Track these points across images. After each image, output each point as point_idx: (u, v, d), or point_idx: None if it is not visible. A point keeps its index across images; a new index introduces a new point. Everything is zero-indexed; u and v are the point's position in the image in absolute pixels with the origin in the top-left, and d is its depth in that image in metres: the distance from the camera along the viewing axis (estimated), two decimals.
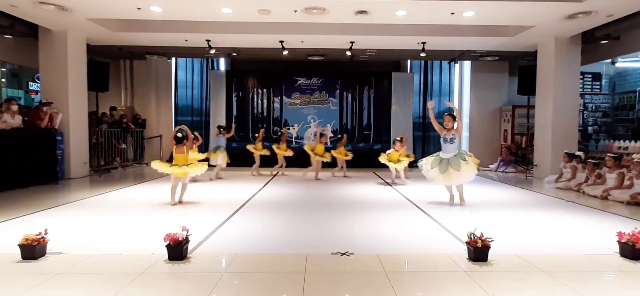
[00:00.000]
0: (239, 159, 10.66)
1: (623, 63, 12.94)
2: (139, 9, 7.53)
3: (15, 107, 7.82)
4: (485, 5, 7.30)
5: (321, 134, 9.69)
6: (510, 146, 11.99)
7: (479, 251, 3.53)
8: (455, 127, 6.08)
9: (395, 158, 8.52)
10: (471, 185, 8.62)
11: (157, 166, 6.04)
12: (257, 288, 3.05)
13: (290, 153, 9.93)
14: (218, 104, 12.53)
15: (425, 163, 6.31)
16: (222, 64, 13.78)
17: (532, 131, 10.61)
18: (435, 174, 6.07)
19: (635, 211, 5.86)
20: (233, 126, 10.64)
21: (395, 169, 8.49)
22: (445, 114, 6.13)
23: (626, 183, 6.81)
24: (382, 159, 8.66)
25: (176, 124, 13.14)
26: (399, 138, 8.81)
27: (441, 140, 6.16)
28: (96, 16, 8.06)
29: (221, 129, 9.32)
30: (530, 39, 9.52)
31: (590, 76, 13.79)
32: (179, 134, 6.13)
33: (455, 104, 13.59)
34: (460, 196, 6.28)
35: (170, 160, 6.30)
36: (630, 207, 6.17)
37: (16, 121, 7.81)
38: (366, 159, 11.10)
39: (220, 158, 8.83)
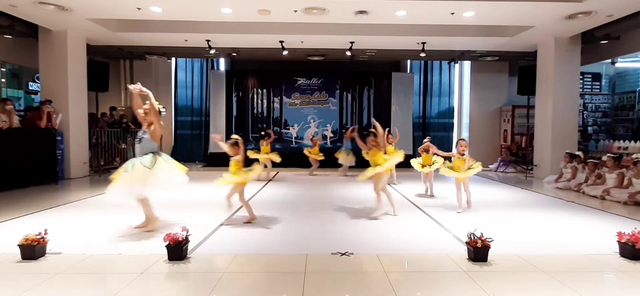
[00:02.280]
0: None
1: (623, 63, 12.94)
2: (139, 9, 7.53)
3: (10, 107, 7.81)
4: (485, 5, 7.30)
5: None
6: (510, 146, 11.99)
7: (479, 251, 3.53)
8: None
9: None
10: (472, 185, 8.60)
11: (252, 154, 8.72)
12: (257, 288, 3.05)
13: (321, 156, 10.07)
14: (218, 104, 12.53)
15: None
16: (222, 64, 13.78)
17: (532, 131, 10.61)
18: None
19: (635, 211, 5.86)
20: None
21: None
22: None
23: (625, 182, 6.81)
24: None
25: (176, 124, 13.18)
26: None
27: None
28: (96, 16, 8.06)
29: (349, 132, 9.96)
30: (530, 39, 9.52)
31: (590, 76, 13.79)
32: (263, 133, 9.33)
33: (455, 104, 13.64)
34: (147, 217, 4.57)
35: None
36: (629, 207, 6.17)
37: (14, 120, 7.80)
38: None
39: (343, 158, 9.69)
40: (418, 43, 9.81)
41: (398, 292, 2.94)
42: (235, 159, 4.94)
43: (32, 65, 9.73)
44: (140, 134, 4.50)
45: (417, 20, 8.38)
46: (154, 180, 4.28)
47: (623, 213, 5.75)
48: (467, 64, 13.05)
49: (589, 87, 13.85)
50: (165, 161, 4.48)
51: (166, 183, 4.37)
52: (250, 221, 4.99)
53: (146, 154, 4.41)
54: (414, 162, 7.31)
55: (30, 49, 9.42)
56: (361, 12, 7.68)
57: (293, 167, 10.62)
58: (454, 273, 3.37)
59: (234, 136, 5.10)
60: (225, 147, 5.06)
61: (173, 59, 12.83)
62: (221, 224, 4.87)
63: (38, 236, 3.60)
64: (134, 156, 4.60)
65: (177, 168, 4.55)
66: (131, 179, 4.23)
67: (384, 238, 4.41)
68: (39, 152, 8.00)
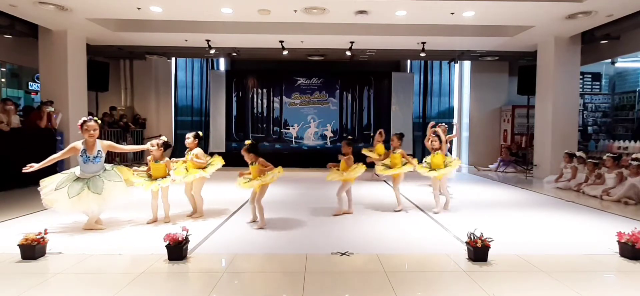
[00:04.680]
0: (238, 160, 10.63)
1: (623, 63, 12.94)
2: (139, 9, 7.53)
3: (10, 107, 7.80)
4: (485, 5, 7.30)
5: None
6: (510, 146, 11.99)
7: (479, 251, 3.53)
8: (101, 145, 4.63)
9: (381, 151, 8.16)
10: (472, 185, 8.64)
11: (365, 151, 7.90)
12: (257, 288, 3.05)
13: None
14: (218, 104, 12.53)
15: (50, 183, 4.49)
16: (222, 64, 13.79)
17: (532, 131, 10.61)
18: (61, 198, 4.37)
19: (635, 211, 5.86)
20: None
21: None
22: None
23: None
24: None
25: (176, 124, 13.19)
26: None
27: (83, 160, 4.54)
28: (96, 16, 8.06)
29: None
30: (530, 39, 9.52)
31: (590, 76, 13.80)
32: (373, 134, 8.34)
33: (455, 104, 13.65)
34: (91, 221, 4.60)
35: None
36: (629, 207, 6.16)
37: (14, 121, 7.80)
38: (366, 160, 11.14)
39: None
40: (418, 43, 9.80)
41: (398, 292, 2.94)
42: (347, 158, 5.31)
43: (32, 65, 9.73)
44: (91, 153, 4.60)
45: (417, 20, 8.37)
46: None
47: (623, 213, 5.74)
48: (467, 64, 13.05)
49: (589, 87, 13.86)
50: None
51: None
52: (346, 212, 5.45)
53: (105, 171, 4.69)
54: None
55: (30, 49, 9.42)
56: (361, 12, 7.67)
57: (293, 167, 10.63)
58: (454, 273, 3.37)
59: (349, 136, 5.37)
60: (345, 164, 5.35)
61: (173, 59, 12.83)
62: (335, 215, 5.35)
63: (38, 236, 3.60)
64: (133, 155, 4.71)
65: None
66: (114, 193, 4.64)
67: (384, 238, 4.42)
68: (39, 152, 7.98)
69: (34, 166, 4.43)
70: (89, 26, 8.53)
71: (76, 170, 4.62)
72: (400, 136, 5.86)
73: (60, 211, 4.51)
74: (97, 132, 4.62)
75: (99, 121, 4.73)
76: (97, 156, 4.58)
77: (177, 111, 13.20)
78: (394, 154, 5.79)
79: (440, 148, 5.77)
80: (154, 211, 4.92)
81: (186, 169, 5.18)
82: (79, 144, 4.59)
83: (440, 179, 5.65)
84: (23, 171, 4.41)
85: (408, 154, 7.63)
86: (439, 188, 5.73)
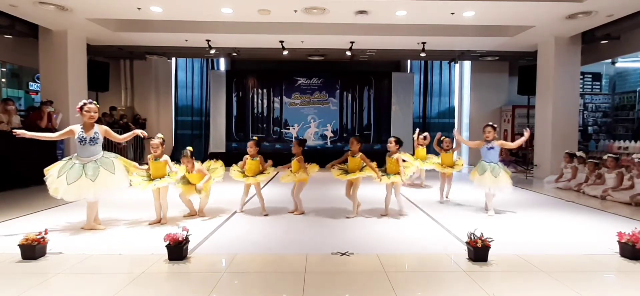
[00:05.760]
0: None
1: (623, 63, 12.95)
2: (139, 9, 7.53)
3: (11, 107, 7.80)
4: (485, 5, 7.30)
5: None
6: None
7: (479, 251, 3.53)
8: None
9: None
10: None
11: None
12: (257, 288, 3.05)
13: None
14: (218, 104, 12.55)
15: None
16: (222, 64, 13.79)
17: (532, 131, 10.62)
18: (61, 185, 4.45)
19: (635, 211, 5.86)
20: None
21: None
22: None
23: (626, 183, 6.80)
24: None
25: (176, 124, 13.19)
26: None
27: (79, 141, 4.59)
28: (96, 16, 8.06)
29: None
30: (530, 39, 9.52)
31: (590, 76, 13.80)
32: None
33: (455, 104, 13.65)
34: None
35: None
36: (629, 207, 6.16)
37: (15, 121, 7.81)
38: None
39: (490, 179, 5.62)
40: (418, 43, 9.81)
41: (398, 292, 2.94)
42: (298, 159, 5.45)
43: (32, 65, 9.73)
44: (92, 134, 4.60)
45: (417, 20, 8.37)
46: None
47: (623, 213, 5.75)
48: (467, 64, 13.05)
49: (589, 87, 13.86)
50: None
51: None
52: (297, 213, 5.53)
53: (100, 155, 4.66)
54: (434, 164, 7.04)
55: (30, 49, 9.42)
56: (361, 12, 7.67)
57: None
58: (454, 273, 3.37)
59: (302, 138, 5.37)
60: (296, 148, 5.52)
61: (173, 59, 12.84)
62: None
63: (38, 236, 3.60)
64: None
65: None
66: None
67: (384, 238, 4.41)
68: (39, 152, 7.99)
69: (26, 134, 4.51)
70: (89, 26, 8.53)
71: (75, 156, 4.63)
72: (360, 139, 5.50)
73: (66, 198, 4.44)
74: (97, 115, 4.64)
75: (98, 105, 4.74)
76: (93, 137, 4.56)
77: (177, 111, 13.21)
78: (352, 158, 5.31)
79: (395, 152, 5.34)
80: (157, 212, 4.91)
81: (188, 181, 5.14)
82: (76, 127, 4.60)
83: (394, 184, 5.33)
84: (14, 133, 4.51)
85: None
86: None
